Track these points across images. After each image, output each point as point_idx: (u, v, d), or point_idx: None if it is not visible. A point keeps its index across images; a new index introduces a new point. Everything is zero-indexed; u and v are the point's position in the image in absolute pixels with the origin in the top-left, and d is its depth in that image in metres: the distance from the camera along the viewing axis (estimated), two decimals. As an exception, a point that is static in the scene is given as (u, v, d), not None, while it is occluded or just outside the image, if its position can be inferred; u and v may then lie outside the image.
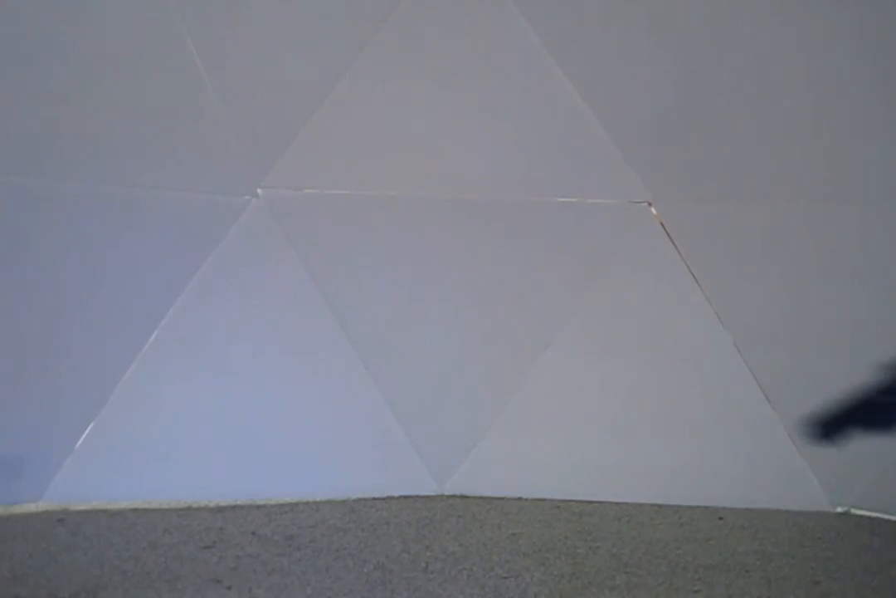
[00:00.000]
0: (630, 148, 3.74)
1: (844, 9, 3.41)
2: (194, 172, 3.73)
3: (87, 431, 3.73)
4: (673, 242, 3.84)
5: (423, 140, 3.79)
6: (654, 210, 3.86)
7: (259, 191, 3.85)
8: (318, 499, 3.82)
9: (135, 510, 3.61)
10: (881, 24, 3.39)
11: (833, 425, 0.85)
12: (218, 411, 3.80)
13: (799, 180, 3.60)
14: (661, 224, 3.85)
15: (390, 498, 3.88)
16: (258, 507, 3.70)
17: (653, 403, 3.91)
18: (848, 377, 3.65)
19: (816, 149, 3.53)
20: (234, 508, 3.68)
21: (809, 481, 3.81)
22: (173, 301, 3.79)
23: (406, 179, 3.84)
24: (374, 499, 3.85)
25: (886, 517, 3.67)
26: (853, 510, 3.77)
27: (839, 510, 3.80)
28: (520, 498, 3.92)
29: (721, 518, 3.66)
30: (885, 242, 3.56)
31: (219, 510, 3.66)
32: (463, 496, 3.96)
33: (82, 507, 3.63)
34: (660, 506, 3.83)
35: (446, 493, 3.99)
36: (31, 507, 3.62)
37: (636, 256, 3.90)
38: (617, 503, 3.85)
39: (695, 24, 3.53)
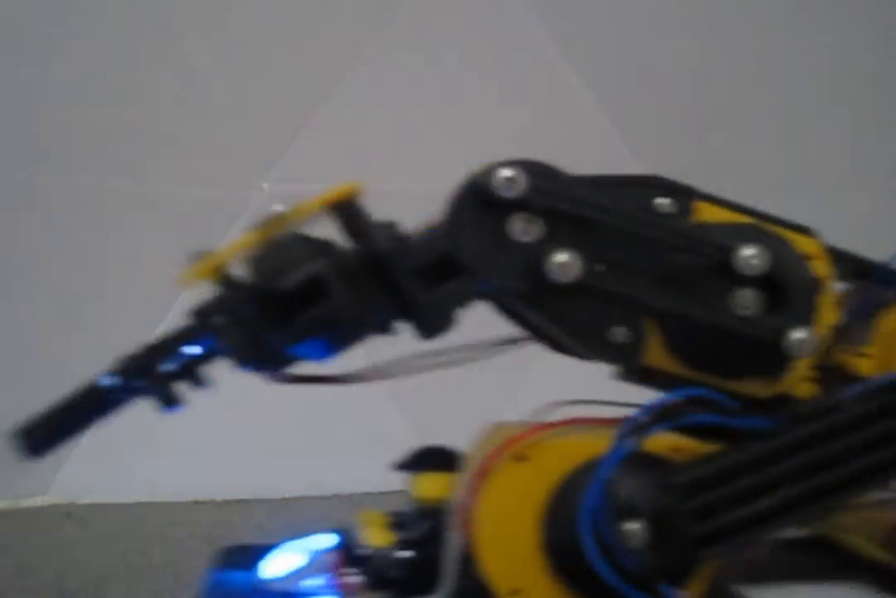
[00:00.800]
0: (637, 143, 3.73)
1: (849, 4, 3.40)
2: (198, 165, 3.73)
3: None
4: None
5: (428, 134, 3.78)
6: (660, 204, 3.86)
7: (264, 185, 3.85)
8: (324, 493, 3.82)
9: (142, 504, 3.62)
10: (888, 19, 3.39)
11: (38, 432, 0.75)
12: (224, 405, 3.80)
13: (809, 173, 3.60)
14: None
15: (397, 492, 3.88)
16: (265, 501, 3.71)
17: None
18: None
19: (827, 141, 3.53)
20: (240, 502, 3.69)
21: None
22: (177, 296, 3.78)
23: (411, 173, 3.83)
24: (381, 493, 3.85)
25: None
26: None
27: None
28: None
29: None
30: None
31: (225, 503, 3.67)
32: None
33: (89, 500, 3.63)
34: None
35: (452, 487, 4.00)
36: (37, 500, 3.62)
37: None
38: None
39: (704, 17, 3.52)
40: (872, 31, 3.41)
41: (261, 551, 0.74)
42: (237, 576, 0.72)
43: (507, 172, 0.74)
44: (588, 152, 4.05)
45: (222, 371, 3.97)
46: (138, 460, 3.83)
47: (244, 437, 3.89)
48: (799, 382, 0.80)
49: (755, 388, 0.77)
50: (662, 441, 0.70)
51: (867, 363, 0.84)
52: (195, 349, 0.80)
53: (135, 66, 3.59)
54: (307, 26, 3.71)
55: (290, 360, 0.81)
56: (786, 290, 0.77)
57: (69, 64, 3.51)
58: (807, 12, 3.50)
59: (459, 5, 3.74)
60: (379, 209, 4.07)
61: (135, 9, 3.53)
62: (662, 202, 0.80)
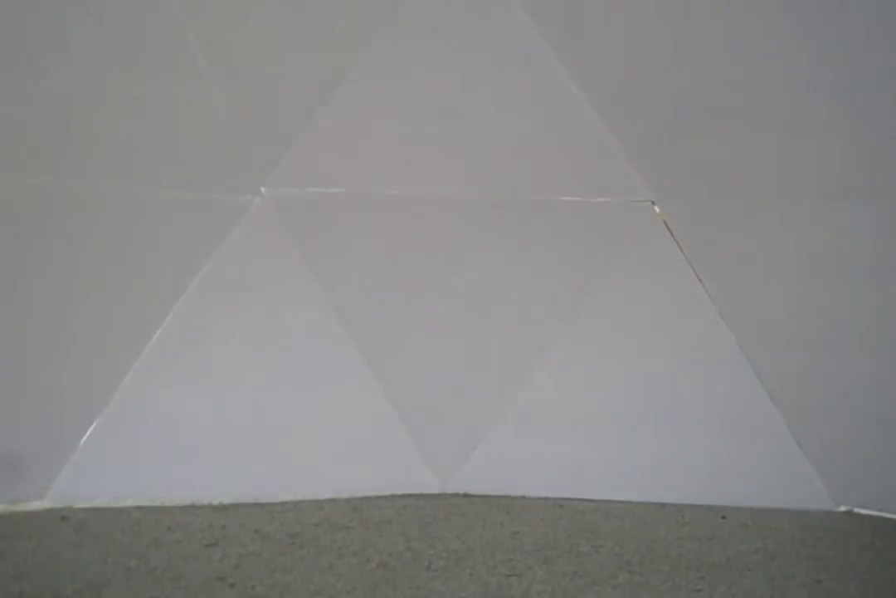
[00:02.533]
0: (633, 146, 3.74)
1: (847, 8, 3.40)
2: (197, 170, 3.74)
3: (91, 428, 3.73)
4: (676, 241, 3.84)
5: (426, 139, 3.79)
6: (657, 209, 3.86)
7: (263, 189, 3.86)
8: (320, 497, 3.83)
9: (138, 508, 3.62)
10: (883, 23, 3.38)
11: None
12: (221, 409, 3.81)
13: (803, 179, 3.60)
14: (665, 223, 3.85)
15: (393, 496, 3.88)
16: (261, 505, 3.71)
17: (656, 402, 3.91)
18: (851, 375, 3.66)
19: (821, 147, 3.53)
20: (237, 506, 3.69)
21: (812, 479, 3.81)
22: (177, 300, 3.79)
23: (409, 177, 3.84)
24: (377, 497, 3.85)
25: (890, 516, 3.66)
26: (856, 510, 3.77)
27: (842, 508, 3.79)
28: (523, 496, 3.92)
29: (724, 517, 3.65)
30: (891, 239, 3.56)
31: (222, 508, 3.67)
32: (466, 495, 3.97)
33: (86, 505, 3.64)
34: (663, 505, 3.82)
35: (449, 491, 3.99)
36: (34, 504, 3.62)
37: (639, 255, 3.90)
38: (620, 502, 3.84)
39: (700, 21, 3.52)
40: (871, 41, 3.40)
41: None
42: None
43: None
44: (587, 155, 4.04)
45: (221, 377, 3.93)
46: (135, 465, 3.83)
47: (241, 442, 3.89)
48: None
49: None
50: None
51: None
52: None
53: (135, 72, 3.59)
54: (306, 34, 3.71)
55: None
56: None
57: (69, 71, 3.52)
58: (806, 22, 3.50)
59: (458, 14, 3.76)
60: (377, 213, 4.06)
61: (134, 16, 3.54)
62: None
